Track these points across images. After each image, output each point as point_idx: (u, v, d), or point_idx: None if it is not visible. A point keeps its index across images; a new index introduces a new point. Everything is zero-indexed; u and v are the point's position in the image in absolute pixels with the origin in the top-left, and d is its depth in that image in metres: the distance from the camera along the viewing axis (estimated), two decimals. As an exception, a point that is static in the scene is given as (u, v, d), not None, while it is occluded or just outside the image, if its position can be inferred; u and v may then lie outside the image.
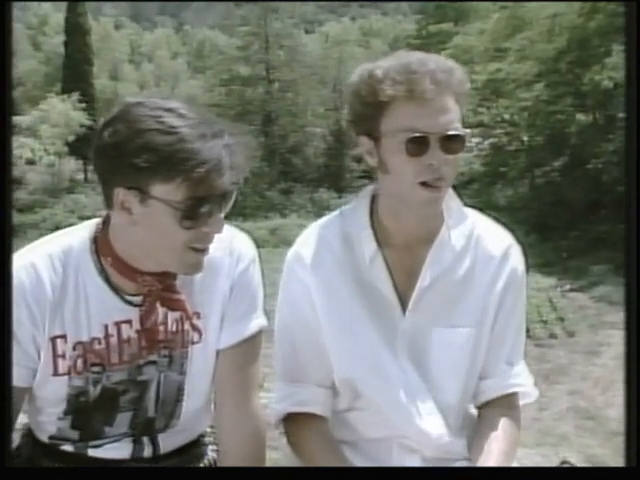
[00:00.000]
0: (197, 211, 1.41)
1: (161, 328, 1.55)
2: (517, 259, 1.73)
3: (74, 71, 41.22)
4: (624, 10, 1.08)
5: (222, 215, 1.45)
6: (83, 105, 36.73)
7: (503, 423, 1.67)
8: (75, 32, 41.72)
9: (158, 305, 1.52)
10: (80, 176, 38.66)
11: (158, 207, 1.39)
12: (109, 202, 1.44)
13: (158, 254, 1.46)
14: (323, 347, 1.67)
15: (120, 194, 1.40)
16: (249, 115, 34.79)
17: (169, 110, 1.39)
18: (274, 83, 38.05)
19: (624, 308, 1.01)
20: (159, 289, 1.50)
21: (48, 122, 35.54)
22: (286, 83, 37.94)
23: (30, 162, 36.50)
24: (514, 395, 1.73)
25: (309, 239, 1.71)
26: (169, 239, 1.43)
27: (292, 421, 1.70)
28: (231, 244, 1.59)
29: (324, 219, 1.76)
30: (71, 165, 38.92)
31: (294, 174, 32.41)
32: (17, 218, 28.99)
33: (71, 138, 35.79)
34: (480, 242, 1.70)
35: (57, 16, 62.90)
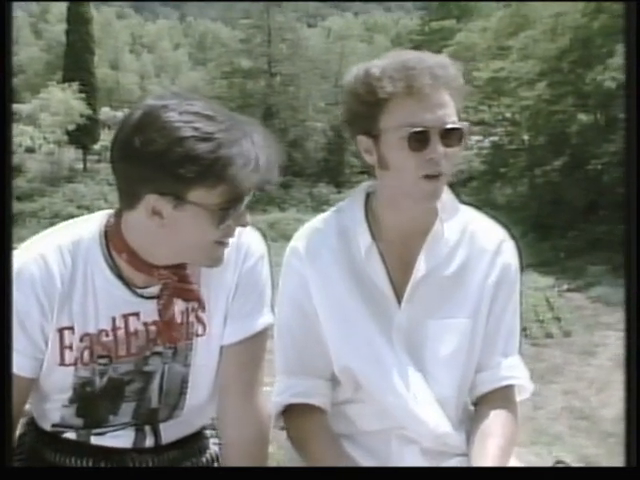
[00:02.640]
0: (232, 211, 1.42)
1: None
2: (510, 254, 1.75)
3: (75, 60, 41.04)
4: (624, 10, 1.07)
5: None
6: (83, 94, 36.68)
7: (499, 417, 1.67)
8: (77, 21, 41.52)
9: (175, 298, 1.52)
10: (79, 165, 38.60)
11: (193, 211, 1.39)
12: (132, 204, 1.42)
13: (185, 252, 1.47)
14: (322, 339, 1.69)
15: (152, 200, 1.39)
16: (250, 108, 34.71)
17: (197, 114, 1.38)
18: (275, 76, 38.04)
19: (624, 308, 1.01)
20: (175, 281, 1.51)
21: (48, 110, 35.52)
22: (288, 77, 37.94)
23: (30, 150, 36.45)
24: (509, 388, 1.73)
25: (306, 234, 1.73)
26: (201, 239, 1.43)
27: (292, 413, 1.71)
28: (239, 239, 1.57)
29: (321, 215, 1.78)
30: (70, 154, 38.83)
31: (294, 168, 32.36)
32: (15, 206, 28.87)
33: (71, 127, 35.77)
34: (474, 236, 1.72)
35: (59, 4, 62.72)
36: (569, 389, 9.18)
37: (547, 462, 1.71)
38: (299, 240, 1.72)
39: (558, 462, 1.91)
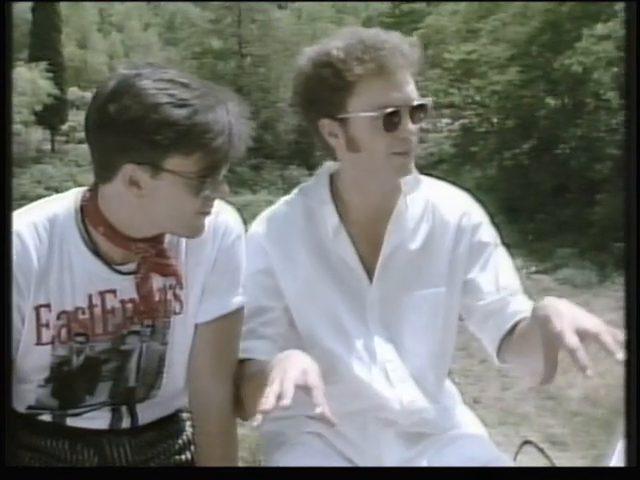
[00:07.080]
0: (210, 179, 1.41)
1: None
2: (475, 218, 1.76)
3: (42, 38, 40.22)
4: (624, 10, 1.09)
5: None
6: (51, 74, 36.05)
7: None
8: (43, -1, 40.75)
9: (152, 272, 1.52)
10: (47, 146, 38.04)
11: (171, 179, 1.39)
12: (109, 176, 1.42)
13: (165, 222, 1.47)
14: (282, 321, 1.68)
15: (129, 170, 1.38)
16: (220, 89, 34.36)
17: (171, 81, 1.38)
18: (246, 58, 37.76)
19: (624, 304, 1.03)
20: (152, 255, 1.50)
21: (14, 90, 34.85)
22: (258, 58, 37.67)
23: (-5, 131, 35.75)
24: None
25: (270, 217, 1.73)
26: (181, 209, 1.43)
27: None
28: (217, 218, 1.57)
29: (284, 198, 1.78)
30: (38, 135, 38.23)
31: (265, 150, 32.20)
32: (-19, 187, 28.41)
33: (38, 107, 35.15)
34: (436, 209, 1.74)
35: (25, -18, 61.36)
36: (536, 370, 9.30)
37: (514, 442, 1.73)
38: (261, 224, 1.72)
39: (526, 442, 1.94)
